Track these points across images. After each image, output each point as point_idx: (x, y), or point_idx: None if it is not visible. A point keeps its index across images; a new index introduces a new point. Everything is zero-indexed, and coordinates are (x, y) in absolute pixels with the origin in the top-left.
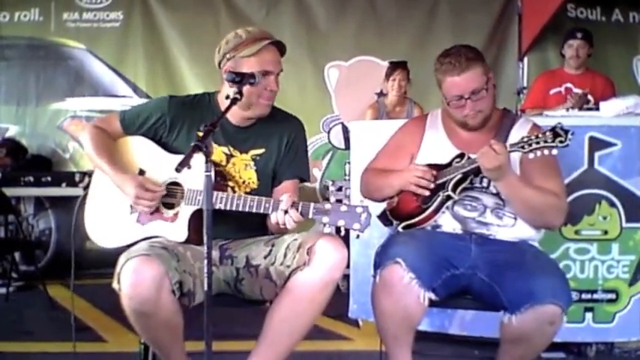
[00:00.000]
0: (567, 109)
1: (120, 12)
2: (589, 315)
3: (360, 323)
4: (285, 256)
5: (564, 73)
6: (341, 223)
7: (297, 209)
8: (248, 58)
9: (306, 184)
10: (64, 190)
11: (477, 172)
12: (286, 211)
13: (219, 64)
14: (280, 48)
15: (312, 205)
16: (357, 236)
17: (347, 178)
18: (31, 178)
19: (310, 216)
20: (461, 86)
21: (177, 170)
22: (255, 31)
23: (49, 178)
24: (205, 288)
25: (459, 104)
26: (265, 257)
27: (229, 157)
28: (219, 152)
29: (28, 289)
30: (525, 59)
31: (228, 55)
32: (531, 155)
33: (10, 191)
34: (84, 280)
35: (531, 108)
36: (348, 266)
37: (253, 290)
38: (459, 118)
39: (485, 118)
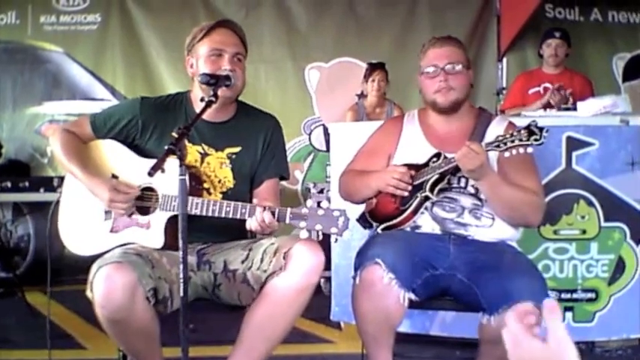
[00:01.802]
0: (545, 109)
1: (97, 15)
2: (569, 314)
3: (342, 326)
4: (262, 260)
5: (542, 73)
6: (318, 227)
7: (274, 215)
8: (200, 41)
9: (288, 186)
10: (42, 196)
11: (454, 171)
12: (263, 220)
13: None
14: (236, 31)
15: (288, 210)
16: (336, 240)
17: (328, 179)
18: (9, 184)
19: (287, 221)
20: (439, 55)
21: (150, 174)
22: (213, 21)
23: (27, 184)
24: (181, 294)
25: (433, 74)
26: (242, 262)
27: (204, 156)
28: (193, 151)
29: (6, 296)
30: (504, 60)
31: (188, 47)
32: (507, 154)
33: None
34: (63, 287)
35: (510, 108)
36: (329, 269)
37: (231, 295)
38: (430, 96)
39: (456, 101)
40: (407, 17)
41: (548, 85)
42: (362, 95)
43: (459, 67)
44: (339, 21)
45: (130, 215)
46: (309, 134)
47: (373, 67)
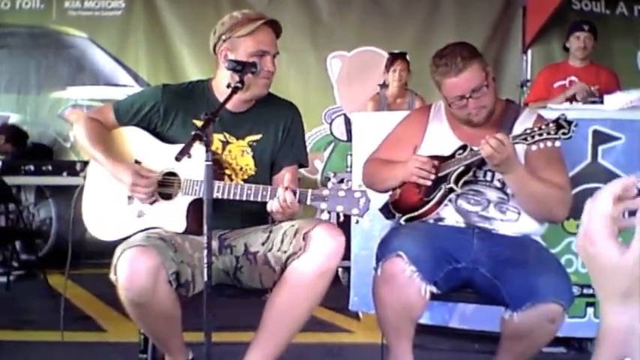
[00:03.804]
0: (570, 102)
1: (121, 0)
2: (590, 310)
3: (361, 316)
4: (282, 242)
5: (569, 66)
6: (339, 208)
7: (295, 196)
8: (244, 37)
9: (308, 175)
10: (64, 180)
11: (480, 164)
12: (284, 200)
13: (215, 47)
14: (276, 29)
15: (309, 191)
16: (357, 221)
17: (349, 169)
18: (32, 167)
19: (308, 202)
20: (460, 86)
21: (177, 159)
22: (250, 12)
23: (49, 167)
24: (205, 278)
25: (461, 104)
26: (263, 244)
27: (225, 144)
28: (214, 139)
29: (28, 278)
30: (529, 52)
31: (224, 37)
32: (534, 147)
33: (10, 180)
34: (84, 270)
35: (535, 101)
36: (348, 258)
37: (252, 278)
38: (463, 117)
39: (489, 112)
40: (431, 7)
41: (574, 78)
42: (384, 85)
43: (483, 90)
44: (362, 10)
45: (152, 202)
46: (330, 124)
47: (394, 57)
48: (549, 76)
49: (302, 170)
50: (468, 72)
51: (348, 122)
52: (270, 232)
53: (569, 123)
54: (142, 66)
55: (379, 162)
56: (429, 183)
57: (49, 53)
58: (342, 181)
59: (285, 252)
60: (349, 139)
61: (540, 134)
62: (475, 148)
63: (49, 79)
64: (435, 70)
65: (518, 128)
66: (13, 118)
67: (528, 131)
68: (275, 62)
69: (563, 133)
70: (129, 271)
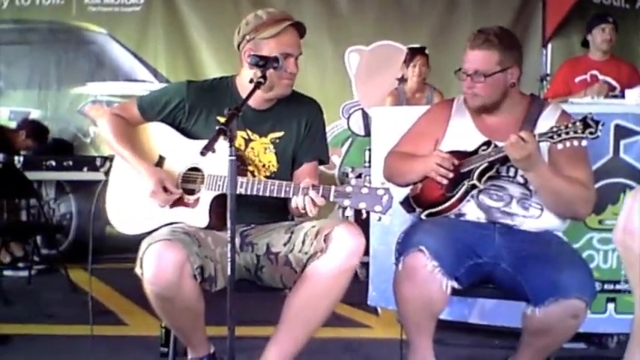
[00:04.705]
0: (592, 97)
1: None
2: (611, 306)
3: (379, 311)
4: (303, 242)
5: (590, 60)
6: (362, 205)
7: (318, 192)
8: (268, 40)
9: (325, 170)
10: (85, 175)
11: (503, 161)
12: (306, 194)
13: (239, 45)
14: (300, 30)
15: (332, 188)
16: (379, 219)
17: (367, 164)
18: (53, 163)
19: (331, 199)
20: (469, 59)
21: (202, 154)
22: (276, 13)
23: (70, 163)
24: (228, 273)
25: (463, 77)
26: (285, 244)
27: (248, 141)
28: (237, 137)
29: (49, 272)
30: (549, 46)
31: (248, 37)
32: (560, 146)
33: (31, 175)
34: (105, 265)
35: (554, 96)
36: (367, 254)
37: (273, 278)
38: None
39: (482, 106)
40: (450, 1)
41: (595, 72)
42: (402, 80)
43: (482, 78)
44: (381, 4)
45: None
46: (348, 118)
47: (414, 52)
48: (570, 70)
49: (320, 166)
50: (481, 52)
51: (365, 117)
52: (292, 232)
53: (597, 122)
54: (160, 61)
55: (400, 155)
56: (446, 182)
57: (69, 49)
58: (360, 176)
59: (306, 253)
60: (367, 133)
61: (567, 132)
62: (499, 144)
63: (69, 75)
64: (469, 37)
65: (542, 124)
66: (34, 114)
67: (554, 129)
68: (298, 63)
69: (590, 133)
70: (155, 266)
